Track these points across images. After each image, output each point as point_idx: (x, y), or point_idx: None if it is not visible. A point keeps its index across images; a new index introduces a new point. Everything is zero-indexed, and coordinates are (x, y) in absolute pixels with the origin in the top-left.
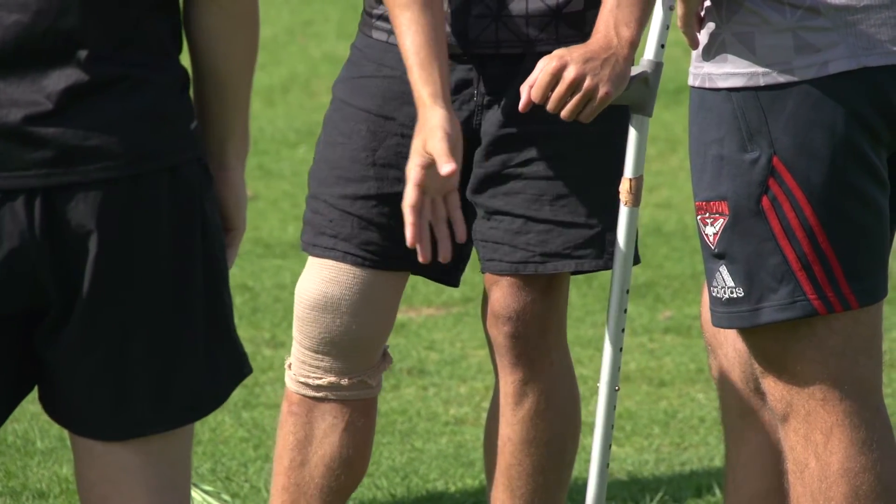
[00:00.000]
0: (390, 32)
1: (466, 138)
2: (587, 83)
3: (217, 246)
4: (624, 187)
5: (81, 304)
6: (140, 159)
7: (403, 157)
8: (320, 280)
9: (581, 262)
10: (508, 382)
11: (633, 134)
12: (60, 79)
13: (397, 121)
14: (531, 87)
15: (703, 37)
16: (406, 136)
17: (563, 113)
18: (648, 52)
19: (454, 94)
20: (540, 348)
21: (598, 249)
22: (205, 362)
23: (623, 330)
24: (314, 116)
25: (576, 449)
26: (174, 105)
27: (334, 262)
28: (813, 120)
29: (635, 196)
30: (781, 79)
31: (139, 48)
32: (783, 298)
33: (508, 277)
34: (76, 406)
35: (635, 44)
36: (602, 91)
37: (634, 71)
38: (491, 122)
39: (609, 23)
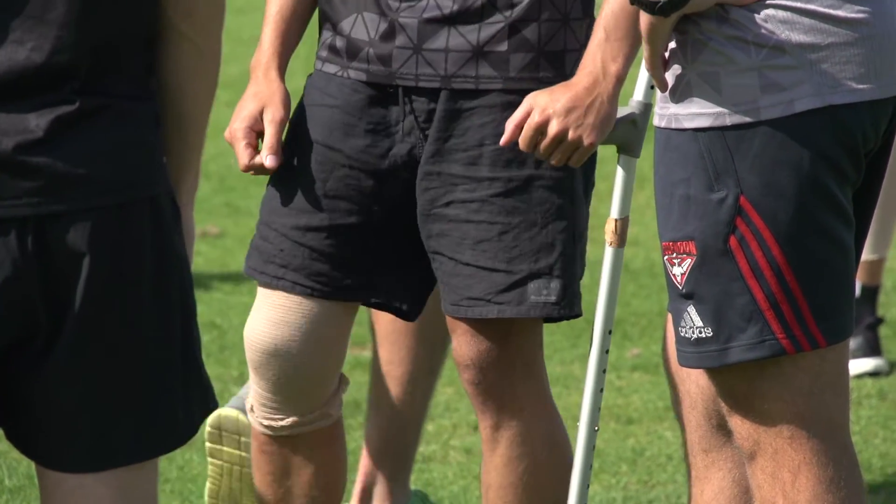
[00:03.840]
0: (324, 61)
1: (410, 170)
2: (571, 135)
3: (187, 279)
4: (609, 228)
5: (70, 331)
6: (127, 188)
7: (353, 187)
8: (269, 323)
9: (503, 308)
10: (482, 427)
11: (619, 174)
12: (50, 109)
13: (343, 153)
14: (516, 126)
15: (668, 78)
16: (353, 168)
17: (552, 162)
18: (637, 92)
19: (388, 124)
20: (506, 394)
21: (520, 296)
22: (181, 392)
23: (605, 371)
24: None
25: (564, 491)
26: (152, 136)
27: (282, 300)
28: (779, 159)
29: (620, 237)
30: (748, 118)
31: (121, 80)
32: (751, 338)
33: (462, 324)
34: (54, 436)
35: (622, 79)
36: (587, 141)
37: (623, 112)
38: (425, 154)
39: (596, 57)
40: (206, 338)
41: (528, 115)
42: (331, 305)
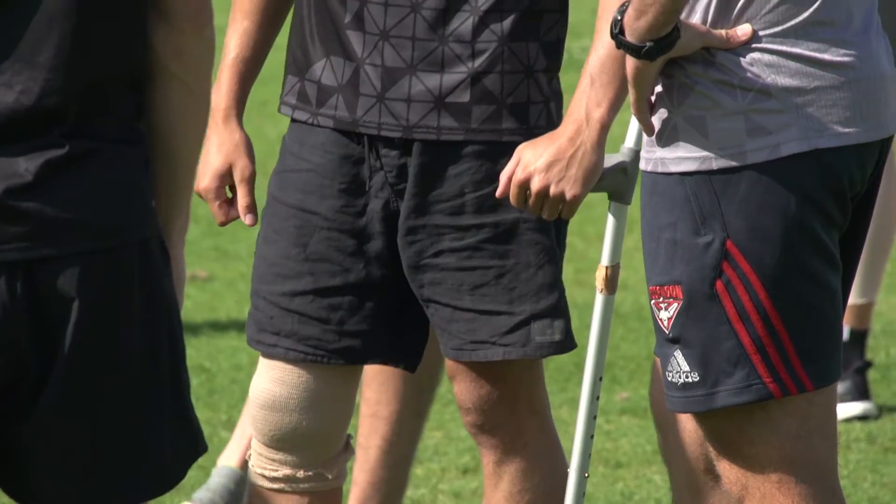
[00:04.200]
0: (293, 108)
1: (389, 224)
2: (553, 191)
3: (176, 323)
4: (599, 275)
5: (59, 375)
6: (116, 232)
7: (334, 248)
8: (268, 379)
9: (508, 349)
10: (485, 463)
11: (610, 221)
12: (39, 152)
13: (321, 215)
14: (507, 179)
15: (655, 122)
16: (332, 230)
17: (544, 216)
18: (629, 139)
19: (361, 182)
20: (510, 432)
21: (524, 337)
22: (170, 436)
23: (595, 417)
24: None
25: None
26: (142, 179)
27: (280, 364)
28: (766, 203)
29: (611, 284)
30: (734, 162)
31: (111, 123)
32: (739, 382)
33: (464, 368)
34: (43, 480)
35: (607, 125)
36: (570, 195)
37: (614, 160)
38: (405, 210)
39: (581, 103)
40: (194, 382)
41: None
42: (328, 368)
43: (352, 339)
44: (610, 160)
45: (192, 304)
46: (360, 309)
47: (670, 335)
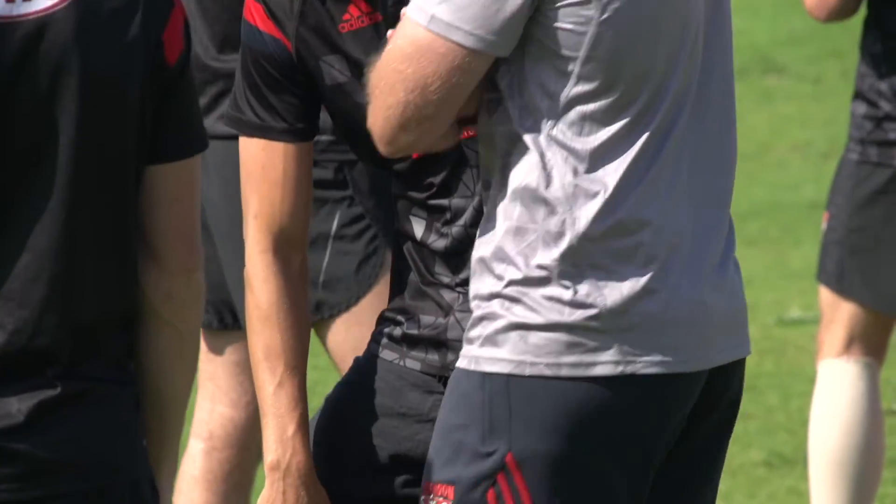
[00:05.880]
0: (383, 347)
1: None
2: None
3: None
4: None
5: None
6: (107, 473)
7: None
8: None
9: None
10: None
11: None
12: (32, 393)
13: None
14: None
15: (481, 327)
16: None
17: None
18: None
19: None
20: None
21: None
22: None
23: None
24: None
25: None
26: (132, 420)
27: None
28: (560, 423)
29: None
30: (548, 371)
31: (102, 363)
32: None
33: None
34: None
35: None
36: None
37: None
38: None
39: None
40: None
41: None
42: None
43: None
44: None
45: None
46: None
47: None
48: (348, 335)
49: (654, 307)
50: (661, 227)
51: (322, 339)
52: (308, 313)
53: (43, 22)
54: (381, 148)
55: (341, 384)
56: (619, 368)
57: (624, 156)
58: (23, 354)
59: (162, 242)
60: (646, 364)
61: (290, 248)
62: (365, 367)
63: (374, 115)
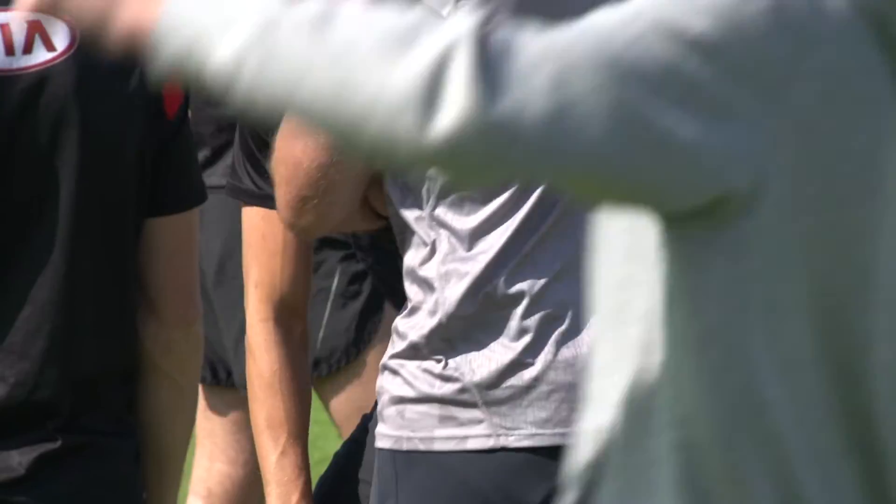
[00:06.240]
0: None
1: None
2: None
3: None
4: None
5: None
6: None
7: None
8: None
9: None
10: None
11: None
12: (32, 446)
13: None
14: None
15: (380, 398)
16: None
17: None
18: None
19: None
20: None
21: None
22: None
23: None
24: None
25: None
26: (132, 473)
27: None
28: (441, 493)
29: None
30: (422, 446)
31: (102, 416)
32: None
33: None
34: None
35: None
36: None
37: None
38: None
39: None
40: None
41: None
42: None
43: None
44: None
45: None
46: None
47: None
48: (349, 393)
49: (527, 379)
50: (536, 300)
51: (322, 396)
52: (309, 380)
53: (43, 75)
54: (287, 228)
55: (349, 441)
56: (491, 442)
57: (502, 230)
58: (24, 407)
59: (160, 295)
60: (519, 437)
61: (290, 316)
62: (373, 424)
63: (277, 198)
